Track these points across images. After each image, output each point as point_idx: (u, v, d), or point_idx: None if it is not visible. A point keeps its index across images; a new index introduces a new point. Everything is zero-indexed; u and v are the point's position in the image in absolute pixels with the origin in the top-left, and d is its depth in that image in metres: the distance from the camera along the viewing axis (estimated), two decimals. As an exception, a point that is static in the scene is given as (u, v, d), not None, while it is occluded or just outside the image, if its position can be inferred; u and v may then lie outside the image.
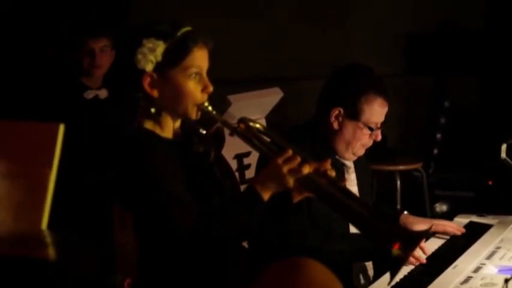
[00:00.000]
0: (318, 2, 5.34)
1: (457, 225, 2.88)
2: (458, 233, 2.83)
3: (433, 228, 2.80)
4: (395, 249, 1.99)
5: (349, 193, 2.16)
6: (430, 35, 5.53)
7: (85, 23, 3.74)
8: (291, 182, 2.03)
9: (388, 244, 2.00)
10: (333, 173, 2.09)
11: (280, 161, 2.02)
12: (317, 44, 5.27)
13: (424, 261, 2.49)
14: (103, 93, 3.72)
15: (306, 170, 2.02)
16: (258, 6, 5.13)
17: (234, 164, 3.79)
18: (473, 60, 5.50)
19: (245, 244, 2.53)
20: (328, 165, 2.09)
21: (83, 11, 4.23)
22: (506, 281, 1.74)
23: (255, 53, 5.02)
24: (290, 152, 2.04)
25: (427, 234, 2.34)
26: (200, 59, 2.14)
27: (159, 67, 2.11)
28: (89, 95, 3.69)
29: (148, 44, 2.09)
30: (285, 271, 1.88)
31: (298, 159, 2.03)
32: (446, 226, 2.84)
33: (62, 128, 1.49)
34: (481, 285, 2.27)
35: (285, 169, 2.02)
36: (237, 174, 3.73)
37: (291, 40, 5.17)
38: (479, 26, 5.62)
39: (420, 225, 2.77)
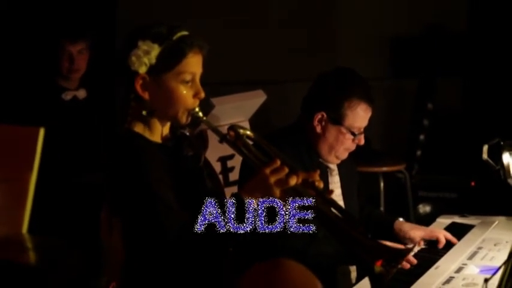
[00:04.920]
0: (302, 5, 5.34)
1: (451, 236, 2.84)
2: (455, 241, 2.80)
3: (429, 235, 2.80)
4: (378, 266, 2.01)
5: (336, 206, 2.18)
6: (414, 37, 5.54)
7: (62, 26, 3.72)
8: (277, 192, 2.02)
9: (371, 261, 2.02)
10: (321, 184, 2.10)
11: (267, 171, 2.02)
12: (301, 47, 5.28)
13: (415, 261, 2.50)
14: (81, 94, 3.72)
15: (293, 181, 2.02)
16: (242, 10, 5.14)
17: (217, 167, 3.78)
18: (456, 62, 5.52)
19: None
20: (316, 176, 2.10)
21: (59, 13, 4.21)
22: (486, 280, 1.75)
23: (239, 56, 5.02)
24: (278, 163, 2.03)
25: (409, 252, 2.35)
26: (194, 64, 2.14)
27: (152, 70, 2.11)
28: (67, 96, 3.68)
29: (144, 46, 2.09)
30: (265, 272, 1.89)
31: (286, 170, 2.02)
32: (441, 234, 2.83)
33: (42, 132, 1.49)
34: (462, 285, 2.29)
35: (272, 180, 2.01)
36: (220, 176, 3.73)
37: (275, 43, 5.17)
38: (462, 28, 5.65)
39: (416, 231, 2.80)
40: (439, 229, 2.87)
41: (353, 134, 2.68)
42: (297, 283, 1.73)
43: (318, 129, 2.69)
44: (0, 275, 1.40)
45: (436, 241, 2.78)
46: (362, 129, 2.71)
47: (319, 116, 2.68)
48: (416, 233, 2.80)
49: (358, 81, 2.73)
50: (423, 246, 2.77)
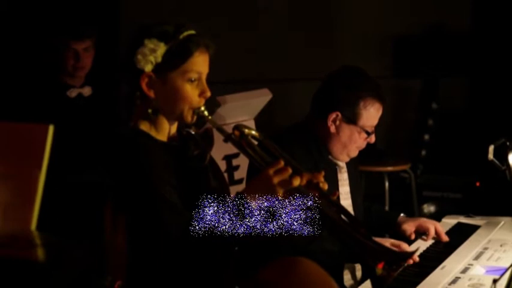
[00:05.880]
0: (306, 5, 5.34)
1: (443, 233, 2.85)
2: (444, 239, 2.82)
3: (421, 226, 2.81)
4: (379, 269, 2.01)
5: (339, 207, 2.18)
6: (418, 37, 5.54)
7: (68, 24, 3.72)
8: (280, 193, 2.03)
9: (373, 263, 2.02)
10: (325, 186, 2.10)
11: (271, 171, 2.02)
12: (305, 46, 5.28)
13: (417, 259, 2.50)
14: (87, 91, 3.71)
15: (297, 182, 2.02)
16: (247, 9, 5.14)
17: (222, 165, 3.78)
18: (460, 62, 5.51)
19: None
20: (321, 177, 2.10)
21: (65, 11, 4.21)
22: (495, 281, 1.74)
23: (244, 55, 5.03)
24: (281, 163, 2.03)
25: (412, 255, 2.35)
26: (200, 63, 2.14)
27: (158, 68, 2.11)
28: (72, 93, 3.68)
29: (150, 44, 2.09)
30: (280, 270, 1.89)
31: (289, 171, 2.02)
32: (432, 226, 2.83)
33: (51, 129, 1.49)
34: (468, 285, 2.29)
35: (276, 180, 2.01)
36: (225, 175, 3.72)
37: (279, 42, 5.17)
38: (466, 28, 5.64)
39: (410, 222, 2.83)
40: (431, 221, 2.87)
41: (367, 132, 2.69)
42: (313, 281, 1.73)
43: (332, 129, 2.70)
44: (8, 271, 1.39)
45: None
46: (373, 128, 2.73)
47: (334, 116, 2.69)
48: (411, 224, 2.82)
49: (369, 80, 2.74)
50: (431, 242, 2.79)
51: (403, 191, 4.90)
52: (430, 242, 2.79)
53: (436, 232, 2.81)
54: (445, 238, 2.80)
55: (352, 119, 2.68)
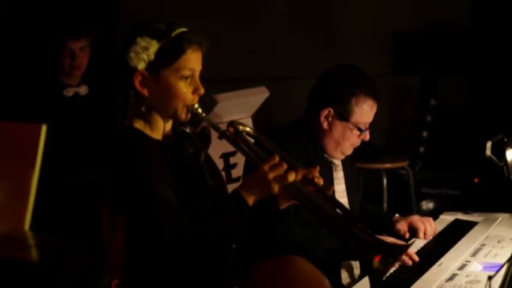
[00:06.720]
0: (305, 2, 5.34)
1: (434, 230, 2.84)
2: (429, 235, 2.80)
3: (412, 224, 2.81)
4: (376, 262, 2.01)
5: (335, 202, 2.18)
6: (417, 34, 5.54)
7: (64, 23, 3.72)
8: (275, 188, 2.03)
9: (369, 256, 2.02)
10: (320, 181, 2.10)
11: (266, 167, 2.02)
12: (303, 44, 5.28)
13: (417, 259, 2.49)
14: (83, 90, 3.71)
15: (292, 177, 2.03)
16: (247, 9, 5.14)
17: (220, 163, 3.78)
18: (459, 59, 5.52)
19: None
20: (316, 172, 2.10)
21: (62, 10, 4.21)
22: (490, 278, 1.74)
23: (241, 53, 5.03)
24: (276, 159, 2.04)
25: (408, 248, 2.35)
26: (193, 60, 2.14)
27: (151, 66, 2.11)
28: (69, 92, 3.68)
29: (142, 42, 2.09)
30: (271, 268, 1.89)
31: (284, 166, 2.03)
32: (422, 224, 2.82)
33: (44, 129, 1.49)
34: (466, 282, 2.29)
35: (270, 176, 2.02)
36: (223, 173, 3.72)
37: (277, 40, 5.17)
38: (465, 26, 5.64)
39: (402, 222, 2.81)
40: (422, 219, 2.84)
41: (360, 130, 2.69)
42: (306, 278, 1.73)
43: (325, 125, 2.70)
44: (1, 272, 1.39)
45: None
46: (368, 125, 2.72)
47: (326, 112, 2.69)
48: (403, 223, 2.82)
49: (365, 77, 2.74)
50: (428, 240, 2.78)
51: (401, 188, 4.90)
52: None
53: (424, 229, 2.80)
54: (429, 235, 2.78)
55: (344, 115, 2.68)
